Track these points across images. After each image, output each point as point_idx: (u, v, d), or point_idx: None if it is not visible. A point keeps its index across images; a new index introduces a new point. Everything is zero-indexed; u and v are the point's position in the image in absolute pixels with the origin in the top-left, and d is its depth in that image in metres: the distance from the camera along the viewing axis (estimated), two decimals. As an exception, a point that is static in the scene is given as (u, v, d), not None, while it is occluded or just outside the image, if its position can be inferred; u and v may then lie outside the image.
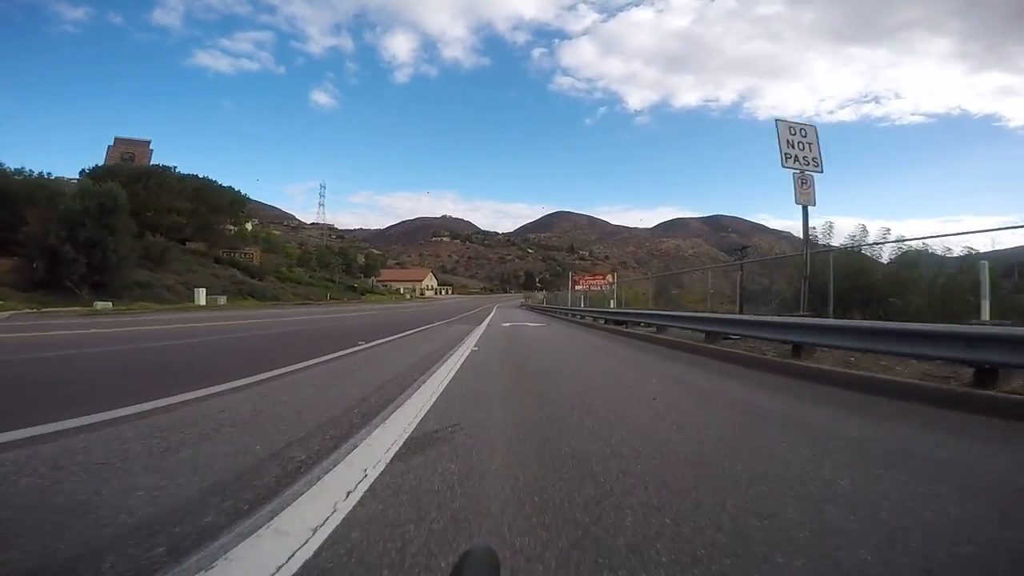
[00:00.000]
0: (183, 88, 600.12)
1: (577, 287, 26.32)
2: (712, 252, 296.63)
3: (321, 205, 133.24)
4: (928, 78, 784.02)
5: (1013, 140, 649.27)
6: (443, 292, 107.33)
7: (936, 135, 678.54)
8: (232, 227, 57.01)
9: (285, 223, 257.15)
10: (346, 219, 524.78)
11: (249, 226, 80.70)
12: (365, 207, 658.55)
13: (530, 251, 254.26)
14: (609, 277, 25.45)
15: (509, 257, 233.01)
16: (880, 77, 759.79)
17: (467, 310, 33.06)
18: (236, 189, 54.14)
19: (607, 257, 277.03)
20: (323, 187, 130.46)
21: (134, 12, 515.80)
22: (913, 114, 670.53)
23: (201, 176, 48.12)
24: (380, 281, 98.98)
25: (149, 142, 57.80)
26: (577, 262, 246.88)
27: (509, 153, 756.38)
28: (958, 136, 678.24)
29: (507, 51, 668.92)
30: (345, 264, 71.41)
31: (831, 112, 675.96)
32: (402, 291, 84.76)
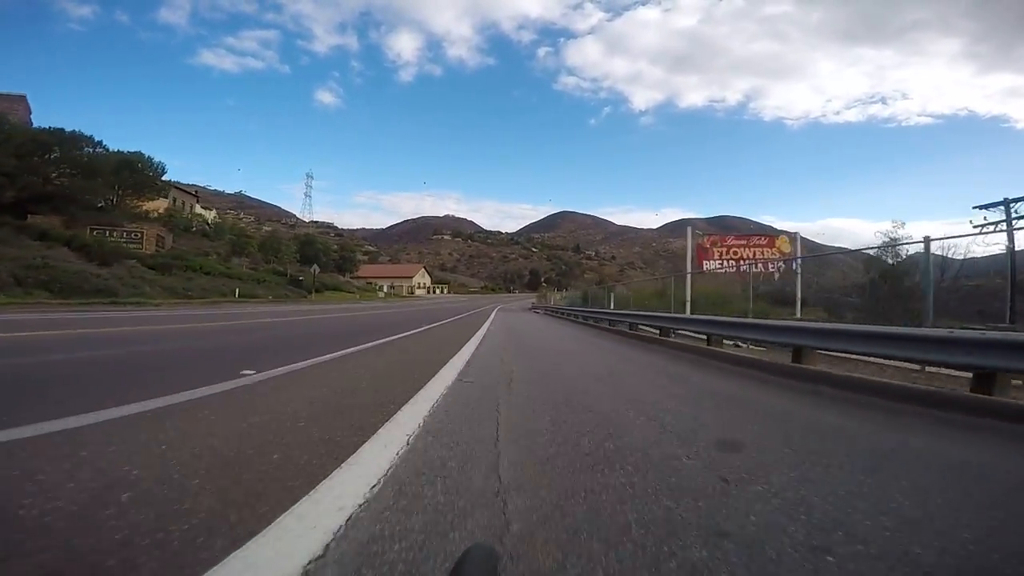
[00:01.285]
0: (187, 88, 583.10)
1: (708, 262, 10.02)
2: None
3: (307, 196, 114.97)
4: (936, 79, 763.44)
5: (1021, 141, 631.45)
6: (437, 291, 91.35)
7: (943, 136, 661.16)
8: (142, 202, 41.24)
9: (283, 220, 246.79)
10: (350, 219, 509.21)
11: (203, 210, 64.82)
12: (368, 207, 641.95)
13: (534, 250, 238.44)
14: (783, 243, 9.17)
15: (512, 256, 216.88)
16: (887, 78, 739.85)
17: (434, 320, 17.13)
18: (143, 154, 38.51)
19: (613, 257, 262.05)
20: (310, 177, 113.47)
21: (140, 11, 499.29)
22: (920, 115, 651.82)
23: (61, 130, 32.07)
24: (361, 277, 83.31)
25: (24, 96, 42.27)
26: (584, 261, 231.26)
27: (513, 153, 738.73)
28: (966, 137, 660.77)
29: (512, 50, 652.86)
30: (305, 256, 55.21)
31: (837, 113, 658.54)
32: (384, 289, 69.03)
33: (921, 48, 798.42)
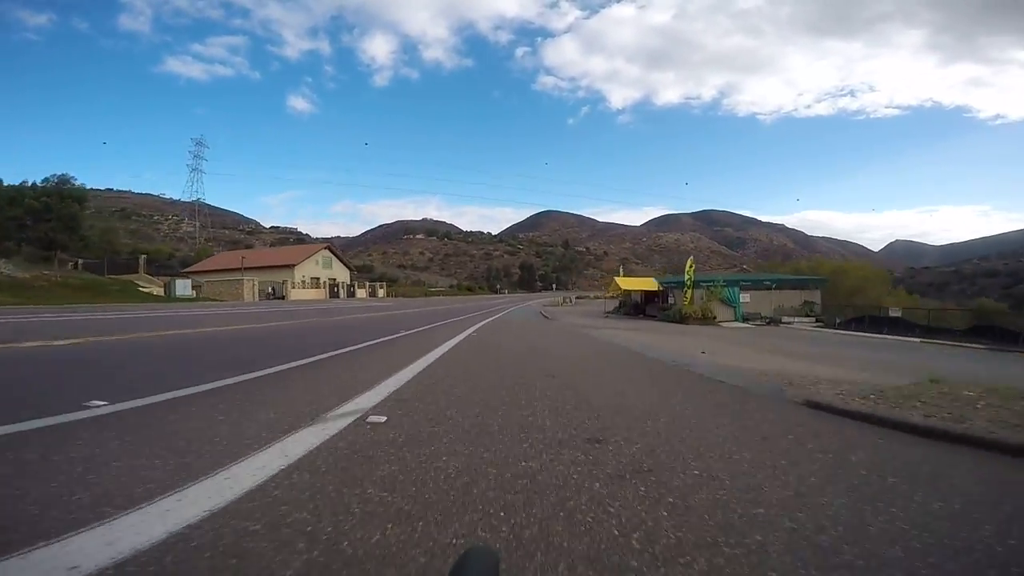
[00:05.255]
0: (154, 97, 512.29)
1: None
2: (713, 246, 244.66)
3: (194, 171, 71.24)
4: (902, 70, 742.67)
5: (983, 131, 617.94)
6: (363, 292, 45.58)
7: (910, 127, 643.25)
8: None
9: (241, 227, 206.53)
10: (328, 228, 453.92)
11: None
12: (348, 216, 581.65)
13: (520, 247, 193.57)
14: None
15: (497, 253, 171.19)
16: (856, 71, 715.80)
17: None
18: None
19: (605, 253, 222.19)
20: (199, 144, 69.15)
21: (100, 18, 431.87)
22: (887, 107, 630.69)
23: None
24: (196, 272, 37.63)
25: None
26: (585, 255, 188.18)
27: (494, 156, 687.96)
28: (931, 128, 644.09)
29: (490, 51, 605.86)
30: None
31: (808, 107, 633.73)
32: (195, 291, 23.97)
33: (887, 39, 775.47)
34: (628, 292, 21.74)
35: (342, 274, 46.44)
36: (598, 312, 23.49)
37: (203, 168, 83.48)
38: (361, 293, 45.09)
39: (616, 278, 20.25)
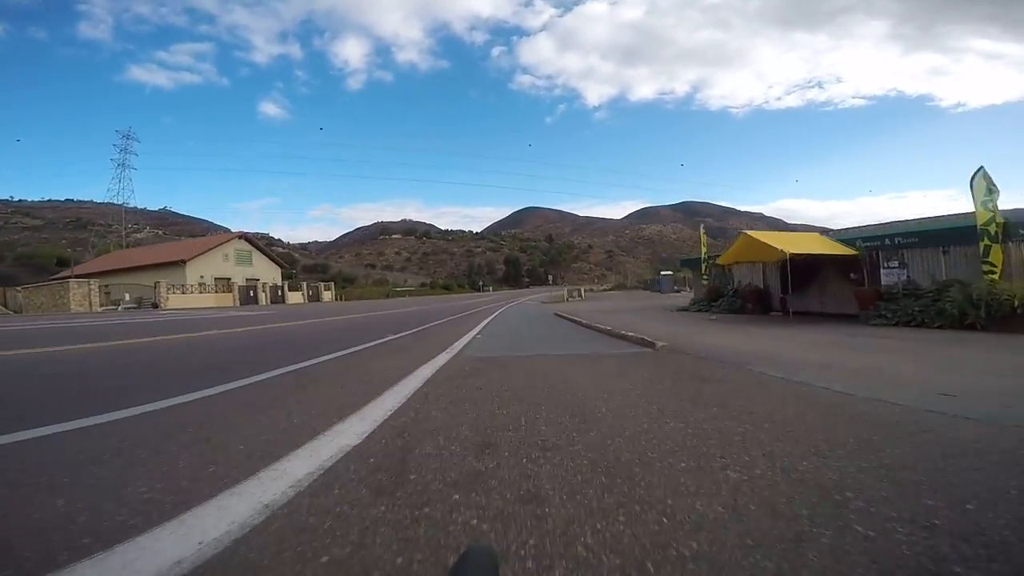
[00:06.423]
0: (118, 107, 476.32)
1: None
2: (696, 236, 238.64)
3: (121, 166, 57.40)
4: (866, 61, 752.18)
5: (946, 119, 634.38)
6: (298, 295, 33.47)
7: (876, 116, 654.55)
8: None
9: (209, 233, 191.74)
10: (306, 233, 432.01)
11: None
12: (327, 221, 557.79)
13: (503, 243, 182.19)
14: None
15: (479, 250, 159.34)
16: (822, 62, 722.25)
17: None
18: None
19: (590, 246, 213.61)
20: (126, 138, 55.02)
21: (57, 26, 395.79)
22: (854, 97, 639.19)
23: None
24: (70, 277, 25.25)
25: None
26: (568, 249, 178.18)
27: (473, 156, 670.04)
28: (896, 117, 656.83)
29: (465, 52, 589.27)
30: None
31: (779, 99, 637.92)
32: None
33: (850, 31, 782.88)
34: (728, 267, 10.73)
35: (268, 273, 34.28)
36: (651, 309, 12.58)
37: (131, 164, 67.83)
38: (295, 297, 32.98)
39: (751, 233, 8.52)
